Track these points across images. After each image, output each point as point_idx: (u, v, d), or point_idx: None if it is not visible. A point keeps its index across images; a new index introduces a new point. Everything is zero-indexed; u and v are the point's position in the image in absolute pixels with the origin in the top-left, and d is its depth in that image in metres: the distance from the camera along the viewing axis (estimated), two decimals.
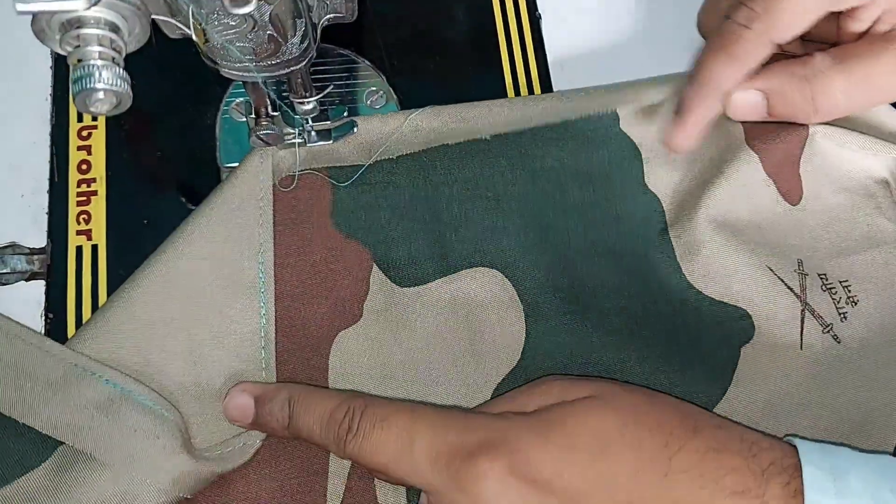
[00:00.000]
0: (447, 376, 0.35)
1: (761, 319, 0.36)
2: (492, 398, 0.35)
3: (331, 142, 0.38)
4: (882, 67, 0.35)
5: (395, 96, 0.40)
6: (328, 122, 0.38)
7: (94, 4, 0.24)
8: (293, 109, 0.37)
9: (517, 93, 0.41)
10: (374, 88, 0.40)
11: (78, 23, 0.25)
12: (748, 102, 0.35)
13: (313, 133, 0.38)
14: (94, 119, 0.40)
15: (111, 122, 0.40)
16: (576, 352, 0.36)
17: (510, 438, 0.29)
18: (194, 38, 0.28)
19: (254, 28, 0.28)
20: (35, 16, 0.24)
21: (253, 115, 0.36)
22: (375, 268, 0.37)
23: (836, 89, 0.35)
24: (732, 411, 0.35)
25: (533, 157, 0.38)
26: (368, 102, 0.40)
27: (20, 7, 0.23)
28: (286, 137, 0.37)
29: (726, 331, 0.36)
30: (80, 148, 0.39)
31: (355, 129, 0.38)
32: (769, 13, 0.33)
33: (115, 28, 0.25)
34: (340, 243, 0.37)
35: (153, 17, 0.27)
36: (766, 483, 0.28)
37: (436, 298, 0.36)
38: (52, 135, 0.40)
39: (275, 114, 0.36)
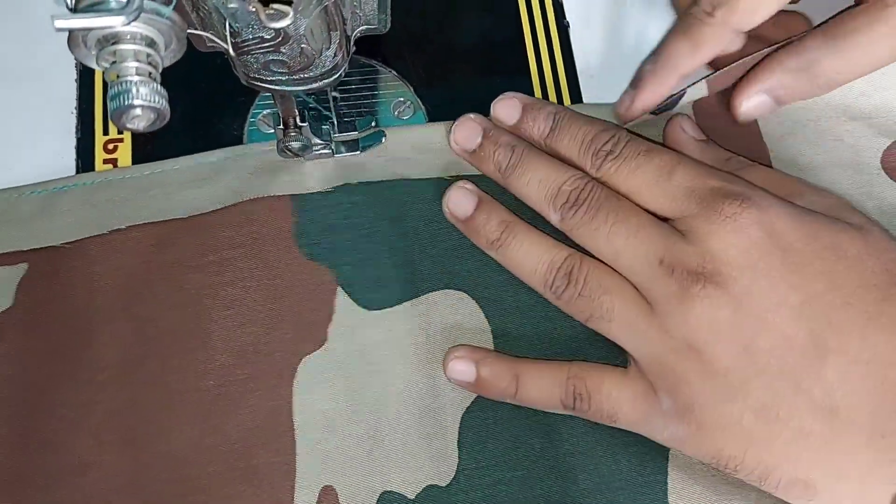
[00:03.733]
0: (414, 403, 0.34)
1: None
2: (460, 424, 0.34)
3: (358, 152, 0.38)
4: (877, 35, 0.34)
5: (422, 106, 0.40)
6: (356, 133, 0.38)
7: (133, 21, 0.23)
8: (321, 121, 0.37)
9: None
10: (401, 99, 0.40)
11: (115, 38, 0.24)
12: (757, 104, 0.36)
13: (341, 144, 0.38)
14: (120, 132, 0.40)
15: (137, 135, 0.39)
16: None
17: (773, 205, 0.31)
18: (231, 52, 0.28)
19: (288, 42, 0.28)
20: (71, 32, 0.24)
21: (281, 127, 0.36)
22: (340, 290, 0.36)
23: (833, 70, 0.35)
24: None
25: None
26: (396, 113, 0.40)
27: (59, 24, 0.23)
28: (314, 148, 0.37)
29: None
30: (105, 161, 0.39)
31: (384, 140, 0.38)
32: (731, 1, 0.34)
33: (151, 43, 0.25)
34: (304, 266, 0.36)
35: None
36: None
37: (402, 322, 0.35)
38: (78, 148, 0.39)
39: (303, 125, 0.35)
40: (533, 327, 0.36)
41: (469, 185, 0.36)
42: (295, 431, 0.34)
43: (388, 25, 0.31)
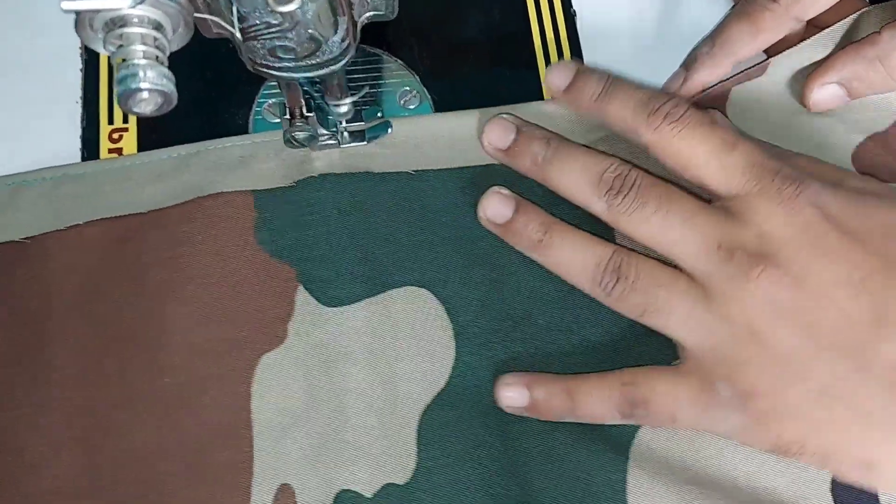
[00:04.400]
0: (372, 401, 0.34)
1: None
2: (419, 423, 0.34)
3: (365, 143, 0.38)
4: None
5: (428, 96, 0.40)
6: (362, 123, 0.38)
7: (140, 3, 0.23)
8: (328, 111, 0.36)
9: None
10: (407, 88, 0.40)
11: (122, 21, 0.24)
12: (830, 95, 0.36)
13: (346, 134, 0.38)
14: (125, 121, 0.39)
15: (142, 124, 0.39)
16: (505, 370, 0.34)
17: (826, 187, 0.31)
18: (238, 36, 0.28)
19: (295, 27, 0.28)
20: (78, 15, 0.24)
21: (287, 116, 0.35)
22: (301, 287, 0.35)
23: None
24: None
25: (467, 167, 0.37)
26: (402, 102, 0.40)
27: (66, 6, 0.23)
28: (320, 139, 0.37)
29: (663, 345, 0.34)
30: (111, 150, 0.39)
31: (390, 130, 0.38)
32: None
33: (158, 26, 0.25)
34: (265, 262, 0.36)
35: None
36: None
37: (363, 319, 0.35)
38: (83, 137, 0.39)
39: (309, 115, 0.35)
40: (497, 325, 0.35)
41: (504, 191, 0.36)
42: (253, 429, 0.34)
43: (396, 12, 0.31)
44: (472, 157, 0.37)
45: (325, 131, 0.37)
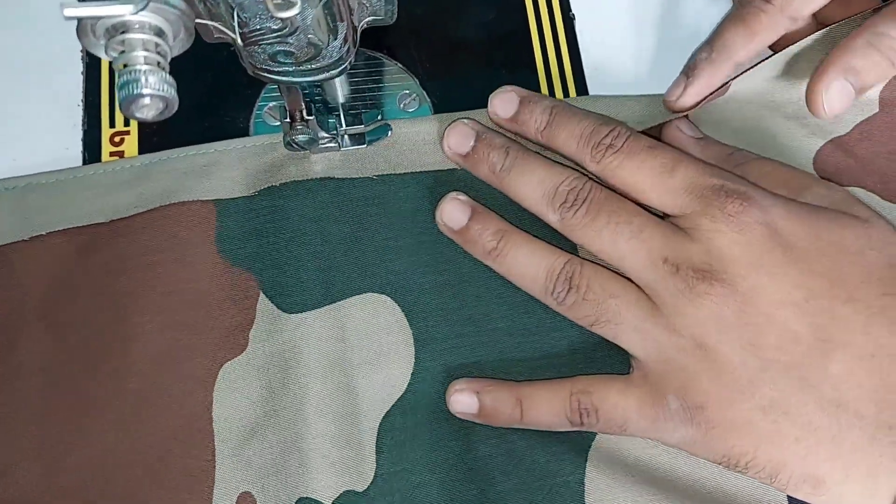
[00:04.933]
0: (331, 409, 0.34)
1: None
2: (378, 429, 0.34)
3: (365, 146, 0.38)
4: None
5: (428, 99, 0.40)
6: (362, 126, 0.38)
7: (142, 10, 0.23)
8: (327, 113, 0.37)
9: (551, 94, 0.40)
10: (406, 91, 0.40)
11: (123, 27, 0.24)
12: (838, 92, 0.34)
13: (347, 137, 0.38)
14: (127, 124, 0.40)
15: (143, 127, 0.40)
16: (466, 374, 0.35)
17: (775, 203, 0.31)
18: (239, 42, 0.28)
19: (295, 32, 0.28)
20: (80, 21, 0.24)
21: (287, 120, 0.36)
22: (262, 295, 0.36)
23: None
24: None
25: (427, 172, 0.37)
26: (401, 105, 0.40)
27: (68, 13, 0.23)
28: (320, 142, 0.37)
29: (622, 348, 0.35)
30: (112, 153, 0.39)
31: (390, 133, 0.38)
32: None
33: (159, 32, 0.25)
34: (226, 271, 0.36)
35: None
36: None
37: (323, 326, 0.35)
38: (85, 140, 0.39)
39: (309, 118, 0.35)
40: (458, 330, 0.35)
41: (462, 196, 0.36)
42: (214, 437, 0.34)
43: (395, 16, 0.32)
44: (430, 161, 0.37)
45: (325, 134, 0.37)
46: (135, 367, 0.35)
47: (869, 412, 0.29)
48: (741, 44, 0.35)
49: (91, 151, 0.39)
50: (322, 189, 0.37)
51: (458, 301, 0.36)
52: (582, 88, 0.40)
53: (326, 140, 0.37)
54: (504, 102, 0.36)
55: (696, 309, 0.30)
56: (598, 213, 0.33)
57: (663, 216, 0.33)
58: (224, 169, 0.38)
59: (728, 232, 0.31)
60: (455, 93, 0.40)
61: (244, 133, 0.39)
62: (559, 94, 0.40)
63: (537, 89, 0.40)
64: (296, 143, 0.36)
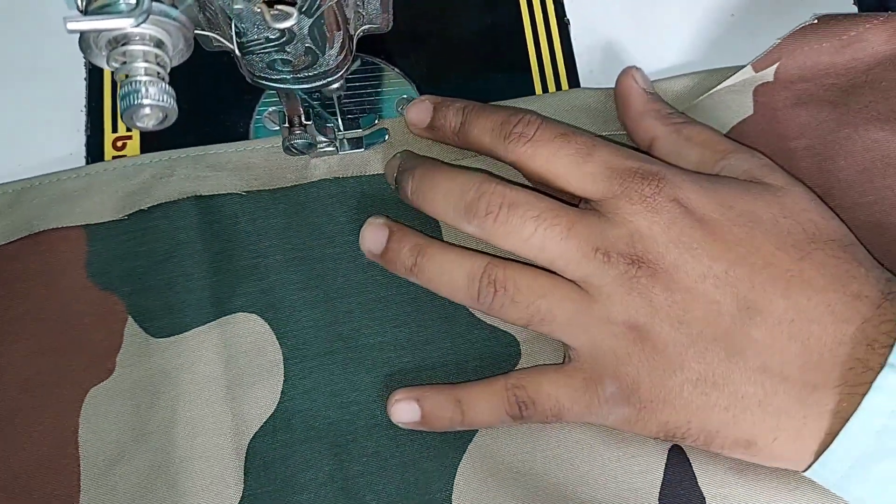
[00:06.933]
0: (201, 430, 0.34)
1: (527, 344, 0.36)
2: (247, 450, 0.34)
3: (362, 150, 0.39)
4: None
5: None
6: (360, 131, 0.39)
7: (142, 22, 0.24)
8: (325, 117, 0.37)
9: None
10: (404, 96, 0.41)
11: (124, 39, 0.25)
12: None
13: (345, 141, 0.39)
14: (129, 129, 0.40)
15: (145, 132, 0.40)
16: (336, 390, 0.35)
17: (686, 180, 0.32)
18: (237, 52, 0.28)
19: (292, 41, 0.29)
20: (83, 34, 0.25)
21: (286, 125, 0.36)
22: (130, 319, 0.36)
23: None
24: None
25: (299, 186, 0.38)
26: (399, 110, 0.40)
27: (71, 26, 0.23)
28: (319, 146, 0.38)
29: (497, 357, 0.35)
30: (115, 157, 0.40)
31: (387, 137, 0.39)
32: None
33: (160, 44, 0.26)
34: (95, 296, 0.36)
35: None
36: (889, 302, 0.30)
37: (193, 349, 0.35)
38: (88, 145, 0.40)
39: (308, 123, 0.36)
40: (329, 346, 0.35)
41: (380, 219, 0.36)
42: (80, 463, 0.34)
43: (391, 25, 0.32)
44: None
45: (323, 139, 0.38)
46: (4, 393, 0.35)
47: (793, 374, 0.30)
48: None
49: (94, 156, 0.40)
50: (190, 209, 0.37)
51: (330, 317, 0.36)
52: None
53: (324, 144, 0.38)
54: (419, 111, 0.37)
55: (628, 294, 0.31)
56: (512, 216, 0.32)
57: (581, 201, 0.34)
58: (94, 194, 0.38)
59: (646, 213, 0.31)
60: (451, 96, 0.40)
61: (244, 137, 0.40)
62: None
63: (533, 93, 0.41)
64: (294, 148, 0.37)
